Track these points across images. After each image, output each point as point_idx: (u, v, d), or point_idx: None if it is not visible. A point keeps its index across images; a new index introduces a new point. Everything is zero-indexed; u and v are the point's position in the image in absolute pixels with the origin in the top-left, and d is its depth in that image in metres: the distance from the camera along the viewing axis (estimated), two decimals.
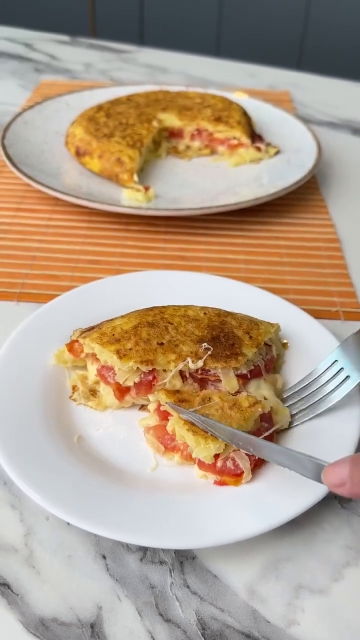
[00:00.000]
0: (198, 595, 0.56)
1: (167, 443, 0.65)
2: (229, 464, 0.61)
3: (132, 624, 0.54)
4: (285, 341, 0.79)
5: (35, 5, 3.11)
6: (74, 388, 0.71)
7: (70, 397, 0.70)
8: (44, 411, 0.68)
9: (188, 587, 0.57)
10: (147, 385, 0.68)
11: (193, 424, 0.62)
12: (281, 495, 0.60)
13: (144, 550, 0.59)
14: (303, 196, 1.17)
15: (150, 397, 0.68)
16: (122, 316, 0.74)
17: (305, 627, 0.54)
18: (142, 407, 0.71)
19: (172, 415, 0.64)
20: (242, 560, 0.59)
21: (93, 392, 0.71)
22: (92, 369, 0.71)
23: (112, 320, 0.73)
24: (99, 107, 1.25)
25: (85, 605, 0.55)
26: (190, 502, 0.60)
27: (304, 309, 0.83)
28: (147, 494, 0.61)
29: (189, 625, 0.54)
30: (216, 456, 0.61)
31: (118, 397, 0.69)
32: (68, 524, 0.60)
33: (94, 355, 0.70)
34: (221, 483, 0.62)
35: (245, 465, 0.60)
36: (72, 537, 0.60)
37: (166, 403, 0.65)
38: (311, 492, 0.60)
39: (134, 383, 0.68)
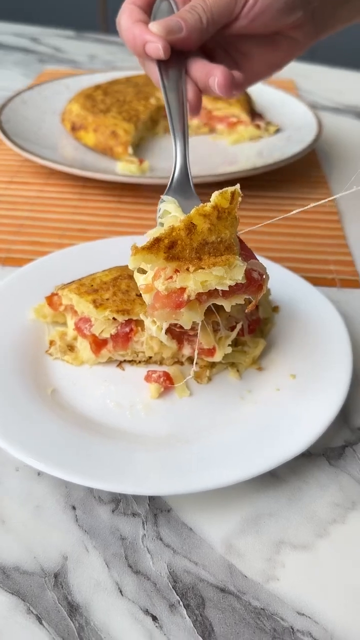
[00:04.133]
0: (171, 547, 0.52)
1: (177, 301, 0.52)
2: (254, 275, 0.54)
3: (98, 575, 0.50)
4: (276, 305, 0.76)
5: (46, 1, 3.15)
6: (51, 343, 0.68)
7: (47, 351, 0.68)
8: (19, 364, 0.65)
9: (161, 539, 0.53)
10: (124, 338, 0.65)
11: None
12: (262, 445, 0.57)
13: (116, 501, 0.56)
14: (304, 172, 1.14)
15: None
16: (104, 270, 0.71)
17: (284, 582, 0.50)
18: (120, 364, 0.68)
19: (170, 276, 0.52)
20: (220, 514, 0.55)
21: (71, 348, 0.68)
22: (71, 324, 0.69)
23: (93, 274, 0.71)
24: (97, 86, 1.24)
25: (50, 555, 0.51)
26: (166, 452, 0.57)
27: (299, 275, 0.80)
28: (122, 444, 0.58)
29: (160, 578, 0.50)
30: None
31: (94, 350, 0.66)
32: (38, 474, 0.57)
33: (72, 308, 0.67)
34: (255, 305, 0.55)
35: (262, 267, 0.54)
36: (42, 488, 0.56)
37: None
38: (294, 444, 0.56)
39: (111, 335, 0.65)
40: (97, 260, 0.77)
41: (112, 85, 1.25)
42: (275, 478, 0.58)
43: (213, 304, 0.64)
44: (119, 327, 0.65)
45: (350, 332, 0.72)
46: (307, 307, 0.75)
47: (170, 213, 0.56)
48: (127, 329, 0.65)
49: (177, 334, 0.66)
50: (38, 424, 0.58)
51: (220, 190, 0.52)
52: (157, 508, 0.55)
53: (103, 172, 1.01)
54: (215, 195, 0.52)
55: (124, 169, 1.04)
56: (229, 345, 0.65)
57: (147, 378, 0.65)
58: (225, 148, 1.18)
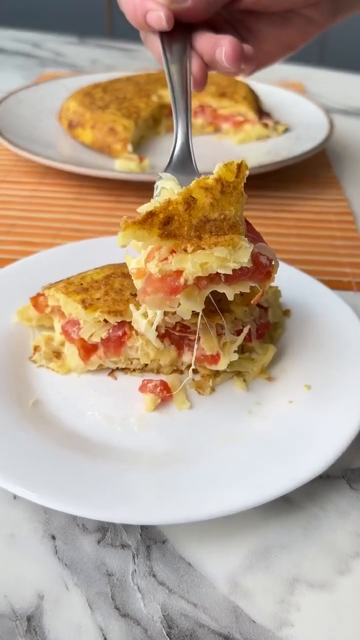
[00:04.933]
0: (166, 586, 0.45)
1: (172, 286, 0.47)
2: (262, 259, 0.48)
3: (79, 618, 0.43)
4: (287, 308, 0.69)
5: (53, 5, 3.14)
6: (36, 349, 0.61)
7: (30, 358, 0.61)
8: None
9: (154, 576, 0.45)
10: (116, 342, 0.58)
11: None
12: (273, 466, 0.49)
13: (103, 530, 0.48)
14: (315, 172, 1.07)
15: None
16: (95, 268, 0.64)
17: (300, 628, 0.42)
18: (112, 373, 0.61)
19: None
20: (224, 546, 0.47)
21: (57, 354, 0.61)
22: (57, 328, 0.62)
23: (84, 272, 0.64)
24: (96, 85, 1.19)
25: (23, 594, 0.44)
26: (162, 473, 0.49)
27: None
28: (111, 464, 0.50)
29: (152, 622, 0.42)
30: None
31: (83, 356, 0.58)
32: (14, 497, 0.50)
33: (59, 309, 0.60)
34: (262, 295, 0.51)
35: (271, 251, 0.49)
36: (17, 514, 0.49)
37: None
38: (309, 465, 0.49)
39: (101, 339, 0.58)
40: (88, 261, 0.70)
41: (112, 83, 1.19)
42: (288, 504, 0.50)
43: (217, 305, 0.57)
44: (110, 331, 0.58)
45: None
46: (322, 310, 0.67)
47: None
48: (120, 333, 0.58)
49: (176, 338, 0.59)
50: (15, 440, 0.51)
51: (225, 162, 0.46)
52: (150, 539, 0.48)
53: (100, 169, 0.95)
54: (218, 167, 0.45)
55: (123, 166, 0.97)
56: (234, 351, 0.58)
57: (142, 388, 0.58)
58: (230, 148, 1.11)
